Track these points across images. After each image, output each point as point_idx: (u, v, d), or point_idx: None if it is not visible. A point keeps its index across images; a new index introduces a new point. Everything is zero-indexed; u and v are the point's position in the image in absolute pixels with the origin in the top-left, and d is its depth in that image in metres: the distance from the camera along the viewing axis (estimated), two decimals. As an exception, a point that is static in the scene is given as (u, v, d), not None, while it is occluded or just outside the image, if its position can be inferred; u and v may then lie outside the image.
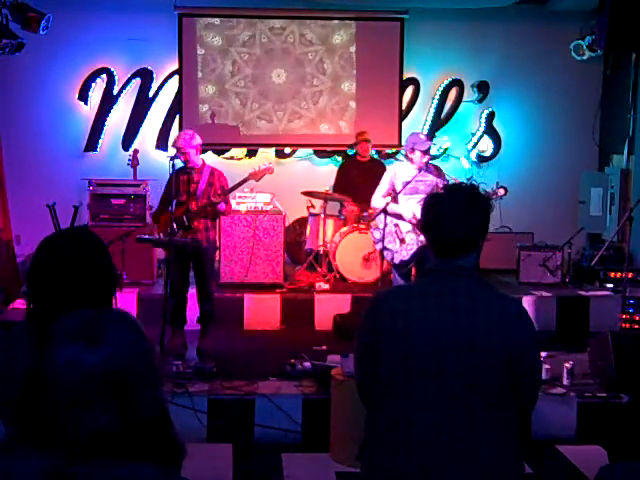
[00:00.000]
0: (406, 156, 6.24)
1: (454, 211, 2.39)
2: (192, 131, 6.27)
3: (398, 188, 6.12)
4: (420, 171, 6.05)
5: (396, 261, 6.08)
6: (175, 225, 6.02)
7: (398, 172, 6.16)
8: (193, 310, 6.47)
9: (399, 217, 6.05)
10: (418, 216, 5.93)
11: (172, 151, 7.77)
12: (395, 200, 6.10)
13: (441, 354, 2.30)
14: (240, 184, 6.34)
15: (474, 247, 2.40)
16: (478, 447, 2.28)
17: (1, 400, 2.05)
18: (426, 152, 6.02)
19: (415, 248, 5.99)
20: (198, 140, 6.13)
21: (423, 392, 2.32)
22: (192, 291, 6.44)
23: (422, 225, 2.53)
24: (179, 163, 6.16)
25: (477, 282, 2.41)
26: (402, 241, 6.04)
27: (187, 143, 6.03)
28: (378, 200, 6.13)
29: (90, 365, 1.40)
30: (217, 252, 6.85)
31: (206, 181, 6.12)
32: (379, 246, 6.16)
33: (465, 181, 2.59)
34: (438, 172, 6.15)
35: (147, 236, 6.41)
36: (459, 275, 2.38)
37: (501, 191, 6.07)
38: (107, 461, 1.40)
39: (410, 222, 5.98)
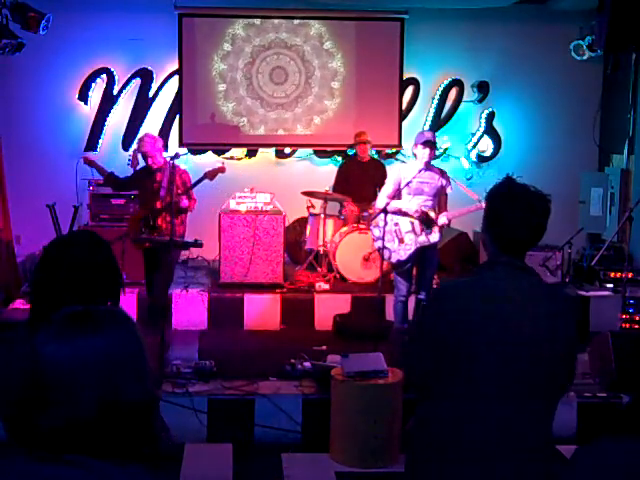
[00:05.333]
0: (414, 154, 6.25)
1: (535, 214, 2.52)
2: (152, 134, 6.43)
3: (402, 187, 6.13)
4: (421, 170, 6.04)
5: (393, 260, 6.08)
6: (142, 225, 6.07)
7: (403, 172, 6.17)
8: (193, 310, 6.45)
9: (403, 213, 6.03)
10: (424, 209, 5.97)
11: (172, 151, 7.82)
12: (398, 197, 6.08)
13: (514, 343, 2.41)
14: (197, 182, 6.32)
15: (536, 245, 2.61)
16: (532, 437, 2.43)
17: (1, 400, 2.06)
18: (426, 144, 5.99)
19: (413, 249, 6.00)
20: (161, 141, 6.33)
21: (490, 375, 2.42)
22: (190, 291, 6.42)
23: (496, 220, 2.56)
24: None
25: (535, 275, 2.59)
26: (401, 241, 6.04)
27: (152, 147, 6.14)
28: (383, 200, 6.13)
29: (81, 352, 1.42)
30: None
31: (168, 179, 6.14)
32: (378, 244, 6.16)
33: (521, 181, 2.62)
34: (442, 174, 6.15)
35: (145, 236, 6.39)
36: (529, 271, 2.55)
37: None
38: (92, 463, 1.40)
39: (416, 212, 5.97)
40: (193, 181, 6.30)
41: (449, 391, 2.50)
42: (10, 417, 1.84)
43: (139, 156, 6.42)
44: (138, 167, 6.00)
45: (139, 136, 6.75)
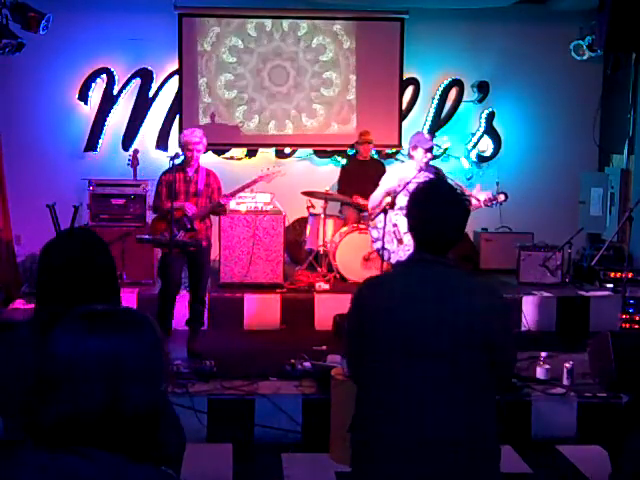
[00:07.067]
0: (409, 154, 6.27)
1: (450, 215, 2.52)
2: (202, 131, 6.17)
3: (400, 189, 6.15)
4: (420, 171, 6.06)
5: (392, 261, 6.10)
6: (175, 227, 5.99)
7: (400, 174, 6.20)
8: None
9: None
10: None
11: (172, 151, 7.79)
12: (394, 201, 6.11)
13: (424, 338, 2.42)
14: (248, 185, 6.33)
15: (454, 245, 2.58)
16: (459, 417, 2.40)
17: (10, 399, 2.07)
18: (428, 150, 6.04)
19: (412, 249, 6.01)
20: (205, 141, 6.08)
21: (406, 373, 2.43)
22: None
23: (412, 222, 2.60)
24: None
25: (460, 270, 2.58)
26: (400, 241, 6.06)
27: (200, 141, 5.99)
28: (375, 200, 6.18)
29: (92, 350, 1.43)
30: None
31: (204, 182, 6.09)
32: (376, 245, 6.17)
33: (447, 179, 2.66)
34: (439, 174, 6.17)
35: (147, 236, 6.40)
36: (441, 264, 2.52)
37: (501, 197, 6.13)
38: (100, 454, 1.40)
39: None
40: (245, 183, 6.28)
41: (366, 391, 2.53)
42: (15, 415, 1.85)
43: (176, 153, 6.02)
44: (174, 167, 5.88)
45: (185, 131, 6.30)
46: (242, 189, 6.31)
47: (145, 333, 1.50)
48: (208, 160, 8.86)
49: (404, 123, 9.20)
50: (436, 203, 2.53)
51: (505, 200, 6.18)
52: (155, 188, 6.22)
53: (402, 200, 6.09)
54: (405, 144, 9.00)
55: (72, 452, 1.39)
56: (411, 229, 2.61)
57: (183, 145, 6.02)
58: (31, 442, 1.43)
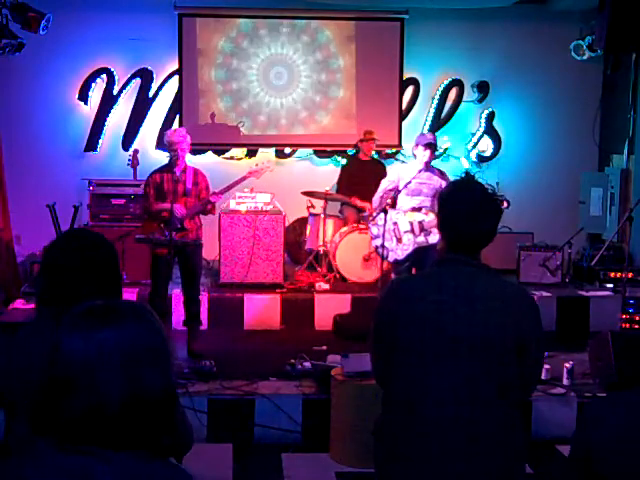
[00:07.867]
0: (413, 154, 6.31)
1: (483, 215, 2.49)
2: (185, 129, 6.22)
3: (401, 188, 6.18)
4: (420, 171, 6.07)
5: (390, 259, 6.12)
6: (166, 228, 5.99)
7: (402, 172, 6.22)
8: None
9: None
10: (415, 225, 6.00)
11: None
12: (395, 201, 6.13)
13: (455, 339, 2.39)
14: (238, 182, 6.34)
15: (487, 245, 2.53)
16: (487, 426, 2.39)
17: (22, 398, 2.07)
18: (427, 146, 6.04)
19: (411, 249, 6.02)
20: (189, 139, 6.10)
21: (437, 373, 2.41)
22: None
23: (443, 221, 2.57)
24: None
25: (488, 272, 2.53)
26: (399, 240, 6.07)
27: (183, 139, 6.00)
28: (375, 201, 6.21)
29: (99, 345, 1.44)
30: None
31: (192, 181, 6.10)
32: (375, 242, 6.19)
33: (476, 178, 2.60)
34: (442, 175, 6.19)
35: (144, 236, 6.39)
36: (472, 265, 2.49)
37: (503, 204, 6.13)
38: (112, 455, 1.41)
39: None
40: (235, 180, 6.29)
41: (395, 394, 2.50)
42: (30, 409, 1.86)
43: (171, 152, 6.05)
44: (153, 170, 5.88)
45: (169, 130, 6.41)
46: (231, 186, 6.30)
47: (149, 320, 1.54)
48: (208, 160, 8.89)
49: (404, 123, 9.20)
50: (468, 202, 2.49)
51: (507, 207, 6.19)
52: (143, 189, 6.25)
53: (404, 199, 6.09)
54: (405, 144, 9.02)
55: (88, 453, 1.41)
56: (442, 228, 2.57)
57: (167, 145, 6.05)
58: (44, 442, 1.44)
